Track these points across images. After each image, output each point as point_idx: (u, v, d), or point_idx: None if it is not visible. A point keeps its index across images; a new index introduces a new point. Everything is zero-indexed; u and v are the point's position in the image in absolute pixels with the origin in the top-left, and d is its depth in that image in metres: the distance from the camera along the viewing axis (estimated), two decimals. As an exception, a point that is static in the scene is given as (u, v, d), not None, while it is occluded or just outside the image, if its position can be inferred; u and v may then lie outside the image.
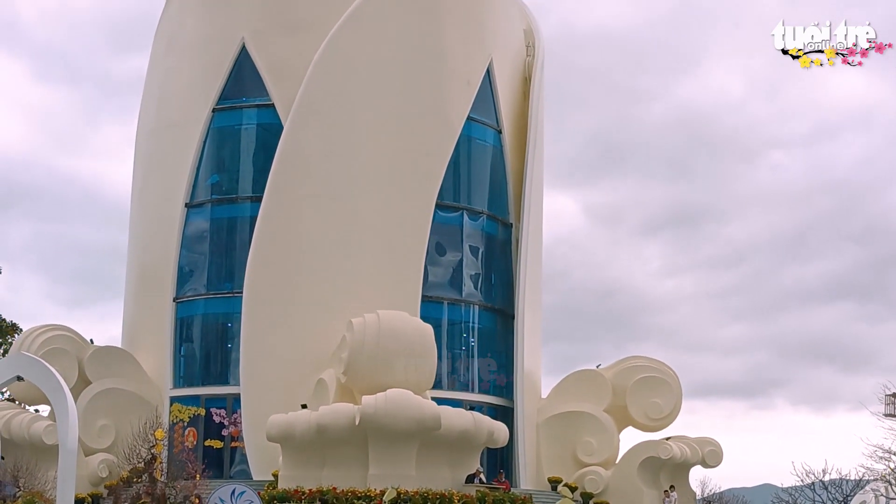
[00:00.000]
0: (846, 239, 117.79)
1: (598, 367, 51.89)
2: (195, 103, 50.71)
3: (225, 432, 47.71)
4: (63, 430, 29.68)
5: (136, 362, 49.07)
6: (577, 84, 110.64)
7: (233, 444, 47.55)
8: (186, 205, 50.34)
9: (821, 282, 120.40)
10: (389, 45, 49.22)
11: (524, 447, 49.11)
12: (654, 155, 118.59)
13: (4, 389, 47.39)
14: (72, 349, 47.55)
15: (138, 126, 54.49)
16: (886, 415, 47.73)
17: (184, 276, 50.29)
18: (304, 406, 41.67)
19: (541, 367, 53.94)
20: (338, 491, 37.58)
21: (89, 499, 44.37)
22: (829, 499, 54.77)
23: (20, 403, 50.78)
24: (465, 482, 40.45)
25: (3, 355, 58.81)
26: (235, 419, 47.19)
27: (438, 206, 49.20)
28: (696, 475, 53.47)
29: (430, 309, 48.31)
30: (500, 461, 48.98)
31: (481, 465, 43.45)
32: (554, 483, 48.40)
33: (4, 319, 63.12)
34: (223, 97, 50.47)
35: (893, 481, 44.19)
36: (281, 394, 44.43)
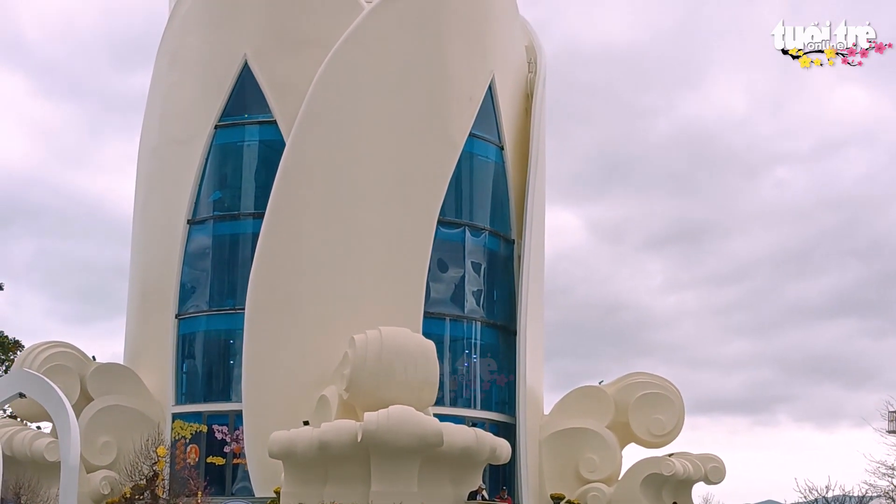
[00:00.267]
0: (850, 255, 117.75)
1: (600, 383, 51.90)
2: (198, 120, 50.80)
3: (227, 449, 47.63)
4: (65, 446, 29.70)
5: (138, 379, 49.04)
6: (581, 100, 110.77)
7: (235, 460, 47.45)
8: (189, 221, 50.39)
9: (824, 298, 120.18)
10: (391, 62, 49.31)
11: (526, 464, 49.00)
12: (658, 171, 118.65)
13: (7, 406, 47.39)
14: (74, 366, 47.55)
15: (141, 143, 54.57)
16: (890, 431, 47.66)
17: (186, 293, 50.29)
18: (306, 423, 41.65)
19: (543, 383, 53.90)
20: (340, 508, 37.57)
21: (91, 516, 44.35)
22: (832, 515, 54.59)
23: (22, 420, 50.77)
24: (468, 499, 40.42)
25: (6, 372, 58.84)
26: (237, 436, 47.11)
27: (440, 223, 49.22)
28: (699, 491, 53.23)
29: (432, 325, 48.26)
30: (502, 478, 48.88)
31: (483, 481, 43.40)
32: (556, 499, 48.30)
33: (7, 336, 63.17)
34: (225, 114, 50.53)
35: (896, 498, 44.12)
36: (283, 410, 44.38)
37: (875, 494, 48.59)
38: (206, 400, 49.15)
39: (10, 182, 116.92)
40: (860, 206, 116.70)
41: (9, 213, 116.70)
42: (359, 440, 38.25)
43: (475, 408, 50.05)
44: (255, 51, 49.91)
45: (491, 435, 42.07)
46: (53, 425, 40.18)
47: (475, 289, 51.10)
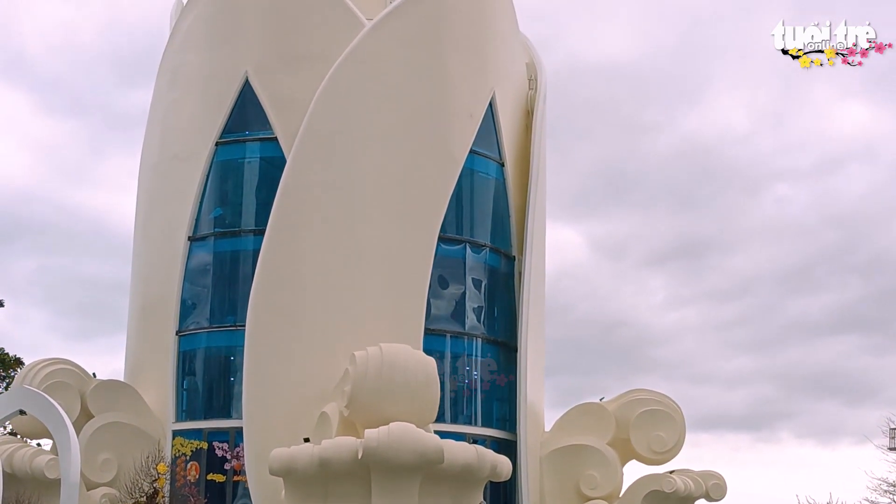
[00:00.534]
0: (851, 271, 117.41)
1: (601, 399, 51.82)
2: (198, 137, 50.89)
3: (227, 466, 47.58)
4: (65, 464, 29.70)
5: (138, 396, 49.00)
6: (582, 116, 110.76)
7: (235, 477, 47.39)
8: (189, 238, 50.43)
9: (825, 314, 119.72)
10: (392, 79, 49.42)
11: (527, 481, 48.95)
12: (659, 187, 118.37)
13: (7, 423, 47.36)
14: (74, 383, 47.52)
15: (141, 160, 54.66)
16: (891, 448, 47.69)
17: (186, 310, 50.30)
18: (306, 440, 41.58)
19: (544, 400, 53.86)
20: (340, 525, 37.48)
21: (91, 533, 44.27)
22: (834, 532, 54.54)
23: (22, 437, 50.74)
24: (469, 516, 40.32)
25: (6, 389, 58.85)
26: (238, 453, 47.07)
27: (441, 239, 49.23)
28: (701, 509, 53.14)
29: (432, 342, 48.27)
30: (503, 495, 48.84)
31: (484, 498, 43.31)
32: (557, 517, 48.24)
33: (7, 354, 63.21)
34: (226, 130, 50.62)
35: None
36: (283, 427, 44.33)
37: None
38: (206, 417, 49.09)
39: (12, 199, 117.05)
40: (861, 222, 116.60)
41: (11, 230, 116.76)
42: (359, 457, 38.17)
43: (476, 424, 50.03)
44: (256, 67, 50.03)
45: (492, 452, 41.96)
46: (54, 442, 40.12)
47: (476, 305, 51.10)
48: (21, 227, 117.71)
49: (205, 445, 48.20)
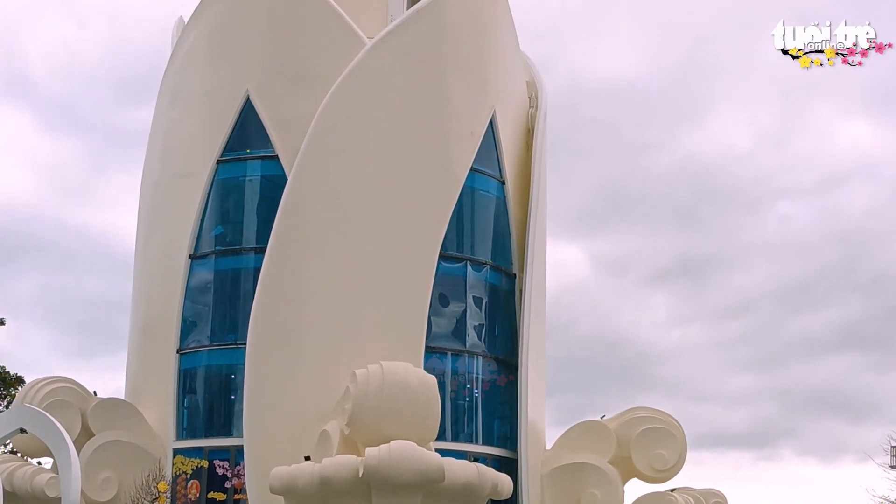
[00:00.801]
0: (853, 289, 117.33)
1: (602, 417, 51.76)
2: (199, 155, 50.98)
3: (228, 484, 47.51)
4: (66, 482, 29.70)
5: (139, 414, 48.95)
6: (583, 135, 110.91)
7: (236, 496, 47.32)
8: (190, 256, 50.46)
9: (827, 332, 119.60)
10: (393, 97, 49.52)
11: (528, 499, 48.83)
12: (661, 205, 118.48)
13: (8, 442, 47.32)
14: (75, 401, 47.48)
15: (143, 178, 54.75)
16: (892, 466, 47.62)
17: (187, 328, 50.30)
18: (307, 458, 41.54)
19: (545, 418, 53.76)
20: (341, 543, 37.40)
21: (91, 552, 44.19)
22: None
23: (23, 456, 50.68)
24: (470, 534, 40.22)
25: (7, 407, 58.82)
26: (238, 471, 47.01)
27: (442, 257, 49.24)
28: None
29: (433, 360, 48.27)
30: (504, 513, 48.70)
31: (485, 517, 43.24)
32: (559, 535, 48.13)
33: (9, 372, 63.22)
34: (228, 149, 50.71)
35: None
36: (284, 445, 44.26)
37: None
38: (207, 435, 49.03)
39: (14, 217, 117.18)
40: (863, 239, 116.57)
41: (13, 249, 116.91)
42: (360, 475, 38.12)
43: (477, 443, 49.95)
44: (257, 86, 50.15)
45: (493, 470, 41.90)
46: (54, 461, 40.09)
47: (477, 323, 51.08)
48: (23, 245, 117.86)
49: (205, 464, 48.14)
